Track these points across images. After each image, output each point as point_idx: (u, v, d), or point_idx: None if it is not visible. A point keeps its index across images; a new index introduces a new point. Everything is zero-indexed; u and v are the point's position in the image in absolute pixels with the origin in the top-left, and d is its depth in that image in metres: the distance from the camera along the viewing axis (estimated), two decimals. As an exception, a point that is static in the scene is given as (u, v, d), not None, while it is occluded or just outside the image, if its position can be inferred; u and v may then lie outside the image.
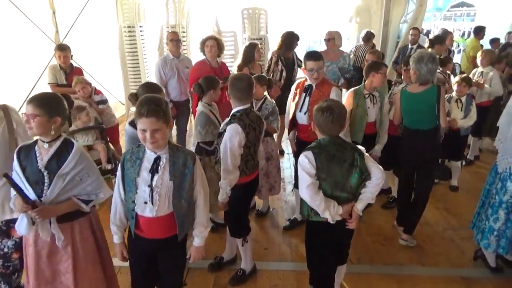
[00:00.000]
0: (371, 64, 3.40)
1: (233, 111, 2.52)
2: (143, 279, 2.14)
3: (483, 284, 2.90)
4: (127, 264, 2.14)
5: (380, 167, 2.20)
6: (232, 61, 6.71)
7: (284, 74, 4.75)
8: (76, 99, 4.01)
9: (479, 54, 4.85)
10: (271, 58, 4.80)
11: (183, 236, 2.01)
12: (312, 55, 3.08)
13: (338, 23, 7.61)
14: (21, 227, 1.95)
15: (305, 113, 3.13)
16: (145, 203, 1.89)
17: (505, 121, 2.72)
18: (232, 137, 2.40)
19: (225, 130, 2.45)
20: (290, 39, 4.70)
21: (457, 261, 3.18)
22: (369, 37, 6.23)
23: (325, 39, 5.02)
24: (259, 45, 4.51)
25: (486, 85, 4.65)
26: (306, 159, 2.09)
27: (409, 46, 5.88)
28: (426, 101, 3.02)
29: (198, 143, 3.17)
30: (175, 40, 4.54)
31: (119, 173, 1.97)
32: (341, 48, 5.09)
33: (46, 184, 1.89)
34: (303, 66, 3.15)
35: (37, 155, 1.91)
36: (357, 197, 2.18)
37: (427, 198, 3.30)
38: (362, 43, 6.20)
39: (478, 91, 4.71)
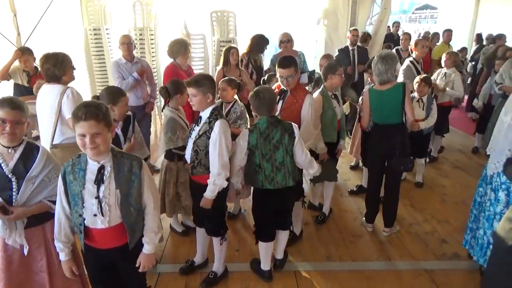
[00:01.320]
0: (328, 67, 3.49)
1: (210, 109, 2.51)
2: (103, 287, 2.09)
3: (446, 275, 3.02)
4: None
5: (308, 155, 2.73)
6: (202, 64, 6.71)
7: (254, 76, 4.78)
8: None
9: (443, 55, 5.05)
10: (241, 61, 4.80)
11: (134, 244, 1.94)
12: (281, 63, 3.03)
13: (306, 26, 7.74)
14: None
15: None
16: (95, 215, 1.82)
17: (497, 129, 2.70)
18: (225, 132, 2.47)
19: (210, 129, 2.45)
20: (260, 42, 4.72)
21: (422, 255, 3.29)
22: (365, 38, 6.33)
23: (282, 41, 4.94)
24: (235, 50, 4.51)
25: (447, 88, 4.86)
26: (242, 135, 2.63)
27: (350, 47, 5.91)
28: (393, 98, 3.21)
29: (170, 149, 3.13)
30: (125, 43, 4.34)
31: (60, 187, 1.87)
32: (294, 48, 5.10)
33: (14, 189, 1.88)
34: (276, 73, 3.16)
35: (1, 161, 1.88)
36: (285, 171, 2.66)
37: (398, 187, 3.46)
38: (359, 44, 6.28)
39: (440, 92, 4.91)
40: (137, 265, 2.00)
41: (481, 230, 2.82)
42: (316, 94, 3.43)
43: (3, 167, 1.87)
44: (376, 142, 3.39)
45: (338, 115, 3.51)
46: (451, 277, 3.00)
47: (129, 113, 2.95)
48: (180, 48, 4.01)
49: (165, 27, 6.84)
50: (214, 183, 2.49)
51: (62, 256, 1.97)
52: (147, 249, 1.99)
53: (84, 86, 6.64)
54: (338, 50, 5.91)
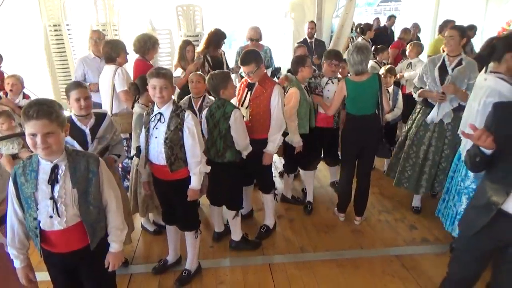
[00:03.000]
0: (297, 60, 3.52)
1: (170, 104, 2.49)
2: None
3: (415, 260, 3.11)
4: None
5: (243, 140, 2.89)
6: (169, 59, 6.58)
7: None
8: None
9: (408, 46, 5.17)
10: (203, 63, 4.53)
11: (96, 244, 1.87)
12: (242, 60, 3.05)
13: (273, 19, 7.73)
14: None
15: (246, 108, 3.12)
16: (51, 217, 1.74)
17: (466, 114, 2.85)
18: (197, 121, 2.55)
19: (182, 121, 2.44)
20: (217, 38, 4.53)
21: (391, 241, 3.38)
22: (364, 29, 6.35)
23: (251, 38, 4.90)
24: (190, 45, 4.39)
25: (406, 74, 4.99)
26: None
27: (308, 40, 5.93)
28: (370, 89, 3.27)
29: (139, 146, 3.05)
30: (97, 38, 4.31)
31: (11, 191, 1.79)
32: (261, 42, 5.07)
33: None
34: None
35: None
36: (216, 148, 2.90)
37: (369, 177, 3.55)
38: (358, 37, 6.29)
39: (407, 80, 5.02)
40: (106, 266, 1.94)
41: (451, 202, 3.06)
42: (290, 88, 3.43)
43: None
44: (351, 132, 3.42)
45: (312, 106, 3.58)
46: (421, 261, 3.09)
47: (105, 111, 2.87)
48: (150, 44, 3.90)
49: (129, 22, 6.65)
50: (200, 172, 2.52)
51: (17, 264, 1.88)
52: (114, 247, 1.93)
53: (45, 84, 6.39)
54: (297, 43, 5.89)
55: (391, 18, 8.71)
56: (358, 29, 6.79)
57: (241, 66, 3.08)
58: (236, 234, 3.20)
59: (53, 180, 1.73)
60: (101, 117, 2.64)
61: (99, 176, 1.83)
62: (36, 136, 1.63)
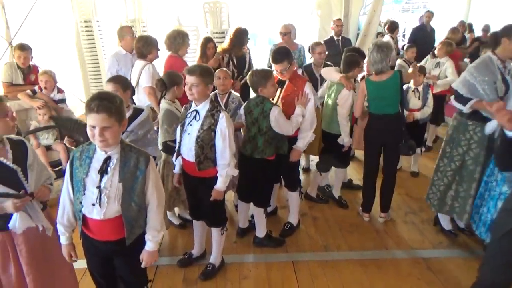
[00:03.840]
0: (350, 60, 3.50)
1: (207, 102, 2.50)
2: (103, 281, 2.08)
3: (443, 263, 3.05)
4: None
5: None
6: (195, 56, 6.63)
7: (236, 75, 4.56)
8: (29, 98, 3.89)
9: (438, 44, 5.04)
10: (222, 58, 4.55)
11: (132, 240, 1.90)
12: (274, 58, 3.03)
13: (299, 16, 7.68)
14: (19, 223, 1.91)
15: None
16: (93, 205, 1.80)
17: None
18: (231, 123, 2.55)
19: (215, 122, 2.45)
20: (240, 37, 4.47)
21: (418, 243, 3.32)
22: (394, 27, 6.22)
23: (281, 33, 4.89)
24: (211, 42, 4.43)
25: (439, 81, 4.86)
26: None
27: (335, 38, 5.79)
28: (392, 87, 3.22)
29: (165, 142, 3.11)
30: (130, 34, 4.31)
31: (68, 170, 1.88)
32: (295, 41, 5.05)
33: (22, 179, 1.91)
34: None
35: None
36: (254, 144, 2.91)
37: (395, 173, 3.54)
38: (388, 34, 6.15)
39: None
40: (140, 261, 1.98)
41: (485, 207, 2.91)
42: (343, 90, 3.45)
43: (3, 161, 1.90)
44: (374, 132, 3.39)
45: None
46: (448, 265, 3.03)
47: (144, 107, 2.94)
48: (180, 38, 3.97)
49: (157, 19, 6.75)
50: (227, 174, 2.52)
51: (63, 240, 1.98)
52: (149, 246, 1.96)
53: (76, 78, 6.57)
54: (324, 42, 5.79)
55: (428, 14, 7.76)
56: (386, 27, 6.65)
57: (272, 64, 3.07)
58: (261, 231, 3.21)
59: (103, 171, 1.79)
60: (138, 112, 2.69)
61: (146, 175, 1.85)
62: (95, 129, 1.70)
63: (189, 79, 2.43)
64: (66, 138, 2.49)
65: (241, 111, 3.04)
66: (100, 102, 1.68)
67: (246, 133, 3.00)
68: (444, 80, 4.86)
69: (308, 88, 3.04)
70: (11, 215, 1.89)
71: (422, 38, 6.73)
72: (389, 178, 3.51)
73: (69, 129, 2.53)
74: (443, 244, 3.30)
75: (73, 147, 2.55)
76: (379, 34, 7.15)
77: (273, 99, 3.07)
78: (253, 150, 2.92)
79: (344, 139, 3.50)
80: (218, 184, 2.56)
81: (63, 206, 1.93)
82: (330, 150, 3.65)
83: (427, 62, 5.16)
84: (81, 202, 1.83)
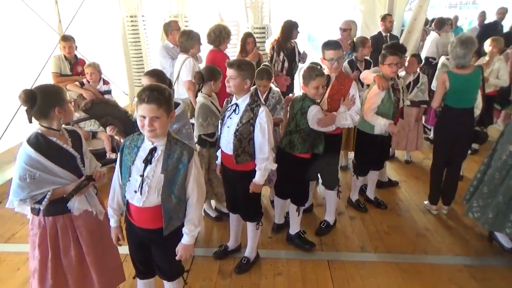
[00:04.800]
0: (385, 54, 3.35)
1: (248, 96, 2.51)
2: (141, 265, 2.15)
3: (486, 272, 2.91)
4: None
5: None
6: (235, 51, 6.68)
7: (286, 64, 4.65)
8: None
9: (487, 42, 4.76)
10: (273, 48, 4.67)
11: (170, 231, 1.94)
12: (332, 44, 2.98)
13: (341, 11, 7.53)
14: (77, 204, 2.07)
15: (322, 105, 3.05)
16: (135, 191, 1.87)
17: None
18: (271, 117, 2.55)
19: (254, 116, 2.46)
20: (289, 28, 4.57)
21: (460, 250, 3.19)
22: (443, 23, 6.00)
23: (341, 28, 4.84)
24: (251, 37, 4.46)
25: (491, 78, 4.61)
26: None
27: (383, 34, 5.53)
28: (474, 82, 3.28)
29: (200, 135, 3.16)
30: (178, 29, 4.52)
31: (119, 157, 1.97)
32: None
33: (80, 165, 2.06)
34: (321, 56, 3.05)
35: (60, 143, 2.00)
36: (289, 139, 2.90)
37: (460, 168, 3.69)
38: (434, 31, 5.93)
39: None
40: (176, 253, 2.03)
41: None
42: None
43: (66, 148, 2.06)
44: (449, 125, 3.39)
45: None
46: (493, 274, 2.89)
47: (181, 102, 2.95)
48: (225, 33, 4.05)
49: (199, 14, 6.85)
50: (265, 168, 2.53)
51: (112, 222, 2.08)
52: (186, 240, 2.00)
53: (121, 73, 6.80)
54: (371, 38, 5.59)
55: (501, 11, 7.37)
56: (434, 23, 6.37)
57: (325, 51, 2.97)
58: (293, 228, 3.20)
59: (147, 160, 1.85)
60: (174, 105, 2.73)
61: (188, 169, 1.89)
62: (145, 119, 1.76)
63: (228, 72, 2.47)
64: (107, 127, 2.57)
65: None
66: (151, 93, 1.74)
67: (285, 126, 2.98)
68: (495, 80, 4.60)
69: (354, 88, 2.99)
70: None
71: (495, 35, 6.38)
72: (455, 171, 3.57)
73: (100, 116, 2.58)
74: (489, 252, 3.14)
75: (116, 136, 2.63)
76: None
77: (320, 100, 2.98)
78: (287, 144, 2.91)
79: (381, 125, 3.27)
80: (257, 177, 2.57)
81: (114, 190, 2.03)
82: (365, 152, 3.56)
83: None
84: (126, 188, 1.91)
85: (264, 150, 2.49)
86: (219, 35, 3.99)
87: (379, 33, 5.57)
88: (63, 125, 2.09)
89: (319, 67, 3.03)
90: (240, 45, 4.47)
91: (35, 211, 2.06)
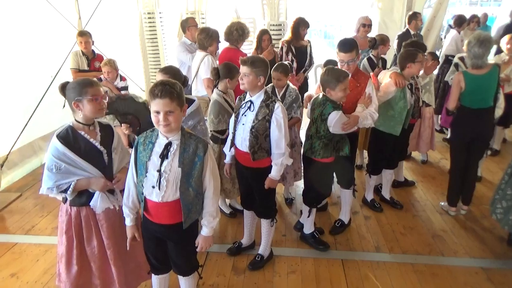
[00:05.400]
0: (406, 54, 3.28)
1: (262, 93, 2.50)
2: (156, 262, 2.18)
3: (505, 275, 2.85)
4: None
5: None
6: (250, 48, 6.68)
7: (294, 64, 4.58)
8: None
9: (505, 39, 4.63)
10: (281, 48, 4.63)
11: (189, 224, 1.98)
12: (343, 46, 2.92)
13: (359, 8, 7.45)
14: (100, 203, 2.11)
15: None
16: (153, 187, 1.89)
17: None
18: (286, 113, 2.55)
19: (270, 112, 2.46)
20: (297, 27, 4.49)
21: (477, 252, 3.13)
22: (462, 20, 5.84)
23: (363, 24, 4.74)
24: (266, 34, 4.44)
25: None
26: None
27: (411, 32, 5.36)
28: (490, 82, 3.21)
29: (211, 131, 3.17)
30: (195, 26, 4.56)
31: (132, 155, 2.00)
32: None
33: (106, 161, 2.08)
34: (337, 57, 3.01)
35: (87, 137, 2.04)
36: (310, 142, 2.87)
37: (477, 168, 3.60)
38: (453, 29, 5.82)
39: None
40: (196, 245, 2.06)
41: None
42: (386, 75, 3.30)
43: (93, 142, 2.07)
44: (466, 126, 3.33)
45: (408, 105, 3.32)
46: (511, 277, 2.83)
47: (195, 98, 2.95)
48: (244, 33, 4.05)
49: (216, 10, 6.86)
50: (282, 163, 2.53)
51: (128, 222, 2.10)
52: (205, 231, 2.03)
53: (138, 69, 6.87)
54: (399, 36, 5.46)
55: None
56: (453, 21, 6.23)
57: (338, 52, 2.95)
58: (307, 228, 3.17)
59: (164, 155, 1.87)
60: (189, 102, 2.73)
61: (204, 162, 1.92)
62: (159, 114, 1.78)
63: (241, 69, 2.48)
64: (123, 124, 2.61)
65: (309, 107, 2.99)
66: (163, 88, 1.76)
67: (307, 130, 2.95)
68: None
69: (370, 86, 2.95)
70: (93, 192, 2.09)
71: None
72: (474, 170, 3.52)
73: (121, 112, 2.61)
74: (507, 255, 3.08)
75: (130, 133, 2.67)
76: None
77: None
78: (308, 148, 2.88)
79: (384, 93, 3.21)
80: (273, 172, 2.57)
81: (128, 189, 2.05)
82: (379, 150, 3.52)
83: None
84: (143, 185, 1.93)
85: (281, 146, 2.49)
86: (242, 35, 4.00)
87: (407, 30, 5.44)
88: (99, 119, 2.13)
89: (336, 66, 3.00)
90: (256, 42, 4.47)
91: (63, 199, 2.14)
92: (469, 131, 3.32)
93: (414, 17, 5.39)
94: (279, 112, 2.46)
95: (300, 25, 4.51)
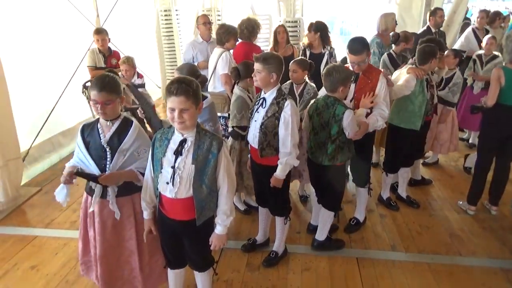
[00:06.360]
0: (427, 50, 3.23)
1: (275, 90, 2.49)
2: (172, 256, 2.20)
3: (525, 277, 2.79)
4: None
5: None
6: (267, 45, 6.67)
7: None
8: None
9: None
10: (300, 50, 4.55)
11: (202, 221, 1.97)
12: (353, 48, 2.85)
13: (377, 5, 7.35)
14: (61, 195, 2.17)
15: (350, 101, 2.96)
16: (167, 183, 1.90)
17: None
18: (296, 112, 2.50)
19: (280, 109, 2.44)
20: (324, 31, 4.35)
21: (496, 252, 3.07)
22: (494, 17, 5.66)
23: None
24: (281, 28, 4.42)
25: None
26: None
27: (432, 30, 5.26)
28: None
29: (233, 127, 3.18)
30: (207, 23, 4.54)
31: (150, 151, 2.02)
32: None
33: (108, 159, 2.04)
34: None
35: (100, 132, 2.06)
36: (323, 151, 2.73)
37: (509, 169, 3.47)
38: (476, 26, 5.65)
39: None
40: (210, 244, 2.07)
41: None
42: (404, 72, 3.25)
43: (101, 138, 2.06)
44: (502, 123, 3.24)
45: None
46: (531, 279, 2.77)
47: (206, 96, 2.96)
48: (254, 29, 4.06)
49: (232, 7, 6.87)
50: (286, 163, 2.50)
51: (145, 215, 2.12)
52: (219, 230, 2.03)
53: (154, 66, 6.94)
54: (420, 33, 5.30)
55: None
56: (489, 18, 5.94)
57: (347, 53, 2.91)
58: (323, 234, 3.05)
59: (178, 152, 1.89)
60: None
61: (218, 159, 1.91)
62: (174, 111, 1.80)
63: (255, 65, 2.48)
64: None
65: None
66: (179, 85, 1.77)
67: (312, 138, 2.80)
68: None
69: (381, 82, 2.88)
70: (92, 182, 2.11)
71: None
72: (505, 170, 3.44)
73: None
74: (527, 257, 3.01)
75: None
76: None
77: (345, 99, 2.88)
78: (323, 157, 2.75)
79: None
80: (277, 171, 2.54)
81: (146, 184, 2.08)
82: (397, 148, 3.47)
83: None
84: (158, 180, 1.95)
85: (287, 144, 2.46)
86: (252, 31, 4.03)
87: (428, 28, 5.34)
88: (126, 116, 2.15)
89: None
90: (274, 39, 4.47)
91: (87, 188, 2.20)
92: (505, 130, 3.23)
93: (434, 14, 5.28)
94: (288, 110, 2.43)
95: (326, 29, 4.38)
